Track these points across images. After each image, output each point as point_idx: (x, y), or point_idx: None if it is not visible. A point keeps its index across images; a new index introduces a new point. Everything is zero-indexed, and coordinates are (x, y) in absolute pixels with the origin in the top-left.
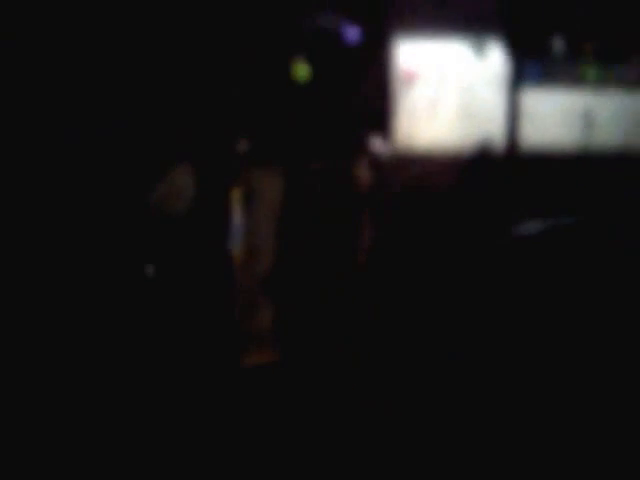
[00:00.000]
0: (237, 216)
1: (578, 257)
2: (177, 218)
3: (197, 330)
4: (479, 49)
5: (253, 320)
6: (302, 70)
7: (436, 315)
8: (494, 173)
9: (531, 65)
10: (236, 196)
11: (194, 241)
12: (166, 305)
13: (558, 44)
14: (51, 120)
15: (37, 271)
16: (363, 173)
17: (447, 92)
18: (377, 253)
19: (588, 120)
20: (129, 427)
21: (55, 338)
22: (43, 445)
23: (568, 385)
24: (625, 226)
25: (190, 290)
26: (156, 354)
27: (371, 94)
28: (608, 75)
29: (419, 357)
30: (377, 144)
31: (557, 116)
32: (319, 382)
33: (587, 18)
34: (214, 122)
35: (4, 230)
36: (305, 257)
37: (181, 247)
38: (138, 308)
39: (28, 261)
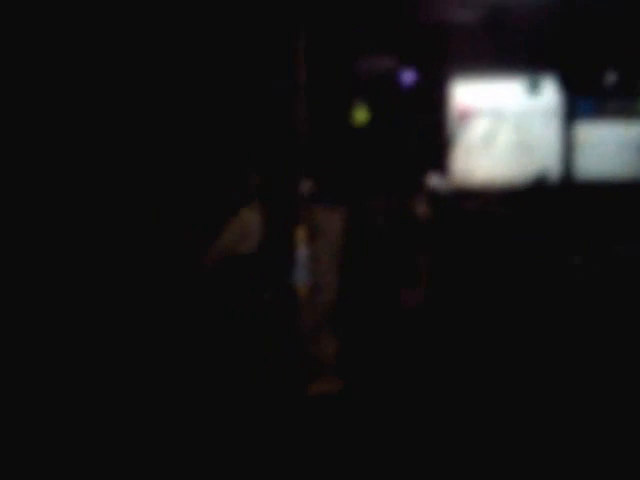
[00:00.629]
0: (301, 253)
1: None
2: (245, 256)
3: (264, 360)
4: (533, 86)
5: (317, 350)
6: (361, 113)
7: (500, 345)
8: (551, 203)
9: (585, 100)
10: (300, 234)
11: (261, 277)
12: (234, 336)
13: (611, 79)
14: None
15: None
16: (422, 209)
17: (502, 128)
18: (437, 285)
19: None
20: (196, 455)
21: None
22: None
23: None
24: None
25: (257, 323)
26: (224, 384)
27: (428, 132)
28: None
29: (485, 388)
30: (435, 180)
31: (611, 148)
32: (382, 411)
33: (638, 53)
34: (280, 165)
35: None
36: (366, 290)
37: (248, 283)
38: (209, 340)
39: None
